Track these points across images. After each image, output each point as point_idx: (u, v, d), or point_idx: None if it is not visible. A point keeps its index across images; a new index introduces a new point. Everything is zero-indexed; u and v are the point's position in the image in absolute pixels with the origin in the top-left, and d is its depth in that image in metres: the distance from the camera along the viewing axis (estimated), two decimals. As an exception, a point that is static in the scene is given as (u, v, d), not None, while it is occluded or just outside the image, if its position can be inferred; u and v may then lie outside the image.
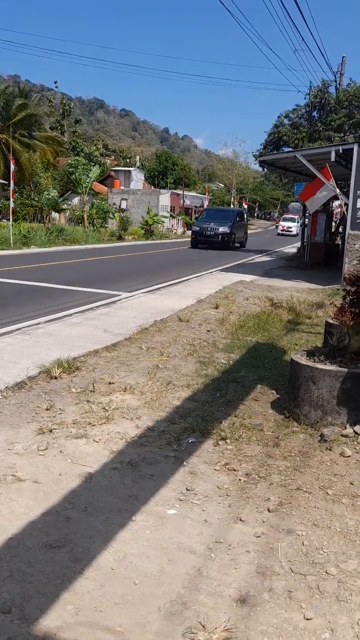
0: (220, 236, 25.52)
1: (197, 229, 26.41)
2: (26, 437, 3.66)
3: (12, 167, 20.06)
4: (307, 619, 2.15)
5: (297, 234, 47.75)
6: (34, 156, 37.78)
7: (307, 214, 19.86)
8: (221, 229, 25.66)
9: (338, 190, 12.35)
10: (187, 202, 47.80)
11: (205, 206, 50.64)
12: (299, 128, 35.74)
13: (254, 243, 33.46)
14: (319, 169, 12.60)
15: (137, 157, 57.32)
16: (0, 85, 41.44)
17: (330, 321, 4.60)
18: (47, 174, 37.31)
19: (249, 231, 32.39)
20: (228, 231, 25.78)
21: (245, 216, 31.44)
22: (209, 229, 25.78)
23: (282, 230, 51.19)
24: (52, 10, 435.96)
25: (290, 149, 29.29)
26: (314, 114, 36.38)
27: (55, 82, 69.13)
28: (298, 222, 51.87)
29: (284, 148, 35.81)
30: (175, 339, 6.56)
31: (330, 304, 9.63)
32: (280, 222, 54.51)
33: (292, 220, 52.14)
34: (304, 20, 73.96)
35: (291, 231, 49.76)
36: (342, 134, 32.50)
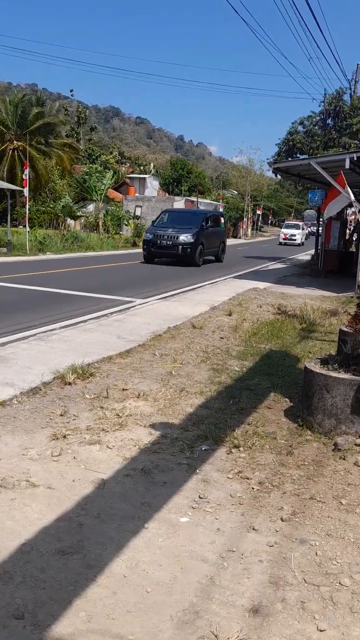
0: (180, 247, 18.35)
1: (150, 237, 18.96)
2: (40, 443, 3.68)
3: (27, 173, 20.23)
4: (321, 631, 2.13)
5: (302, 244, 43.17)
6: (50, 163, 38.18)
7: (321, 221, 19.79)
8: (182, 238, 18.44)
9: (353, 198, 12.28)
10: (202, 209, 47.88)
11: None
12: (314, 137, 35.68)
13: (267, 251, 33.41)
14: (333, 177, 12.55)
15: (152, 164, 57.55)
16: (18, 93, 41.97)
17: (344, 329, 4.57)
18: (63, 181, 37.65)
19: (263, 238, 30.58)
20: (191, 240, 18.46)
21: (223, 221, 23.95)
22: (166, 237, 18.57)
23: (284, 239, 43.30)
24: (67, 18, 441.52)
25: (305, 157, 29.23)
26: (329, 121, 36.33)
27: (71, 91, 70.41)
28: (303, 229, 49.06)
29: (298, 155, 35.76)
30: (189, 345, 6.56)
31: (344, 311, 9.58)
32: (282, 230, 46.02)
33: (296, 227, 45.87)
34: (319, 28, 74.04)
35: (295, 240, 43.09)
36: (357, 141, 32.40)
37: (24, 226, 22.22)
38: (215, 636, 2.05)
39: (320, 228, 20.35)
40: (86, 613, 2.16)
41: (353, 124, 33.05)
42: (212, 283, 13.94)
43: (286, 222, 53.18)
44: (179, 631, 2.09)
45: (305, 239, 46.93)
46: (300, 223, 49.53)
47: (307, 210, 61.35)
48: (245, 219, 53.69)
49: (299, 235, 44.02)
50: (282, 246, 40.28)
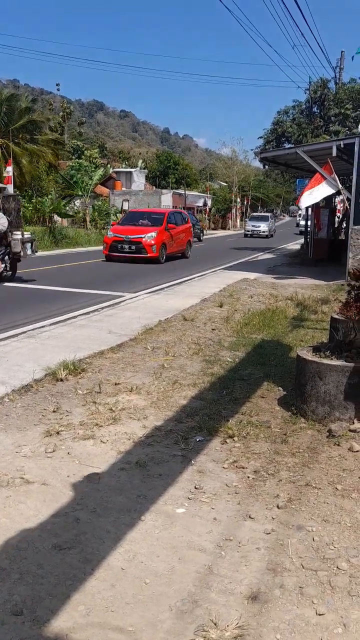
0: None
1: None
2: (33, 440, 3.67)
3: (9, 170, 20.03)
4: (319, 615, 2.14)
5: (270, 235, 38.99)
6: (36, 160, 37.78)
7: (308, 211, 19.79)
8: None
9: (340, 185, 12.29)
10: (189, 201, 47.68)
11: (208, 205, 49.67)
12: (301, 125, 35.64)
13: (256, 242, 33.40)
14: (320, 165, 12.55)
15: (140, 161, 56.92)
16: (3, 91, 41.40)
17: (336, 316, 4.58)
18: (49, 177, 37.32)
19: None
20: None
21: None
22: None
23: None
24: (47, 12, 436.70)
25: (291, 145, 29.17)
26: (314, 109, 36.31)
27: (57, 85, 69.76)
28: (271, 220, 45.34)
29: (285, 144, 35.72)
30: (181, 338, 6.55)
31: (335, 299, 9.60)
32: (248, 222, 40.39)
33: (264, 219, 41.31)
34: (303, 15, 73.85)
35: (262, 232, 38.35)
36: (346, 128, 32.41)
37: None
38: (215, 624, 2.05)
39: (309, 220, 20.35)
40: (85, 607, 2.15)
41: (343, 112, 33.04)
42: (202, 275, 13.92)
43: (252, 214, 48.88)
44: (179, 621, 2.10)
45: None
46: (268, 214, 47.14)
47: (293, 206, 60.24)
48: (233, 210, 53.61)
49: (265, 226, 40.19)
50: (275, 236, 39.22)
